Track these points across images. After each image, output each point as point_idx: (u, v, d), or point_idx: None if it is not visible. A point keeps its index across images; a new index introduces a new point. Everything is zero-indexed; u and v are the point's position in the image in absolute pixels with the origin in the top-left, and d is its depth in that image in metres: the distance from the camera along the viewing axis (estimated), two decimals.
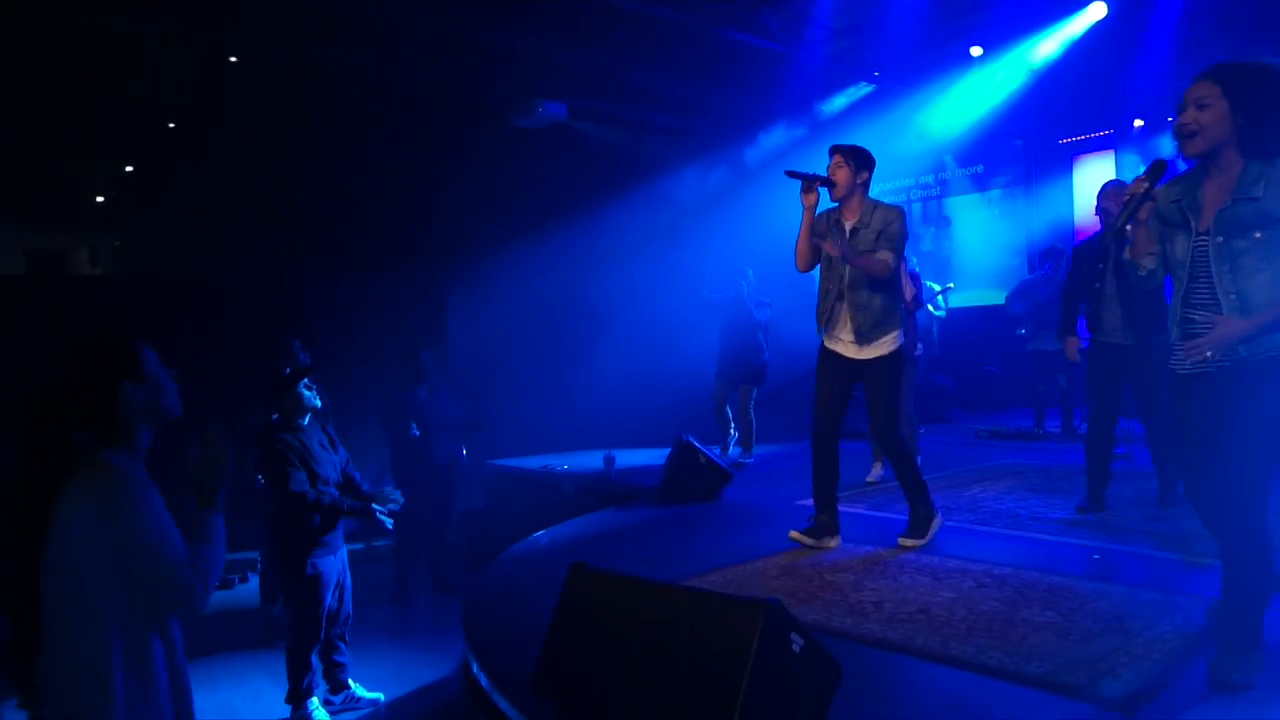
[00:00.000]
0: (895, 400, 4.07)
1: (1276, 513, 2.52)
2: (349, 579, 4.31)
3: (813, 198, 4.01)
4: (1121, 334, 4.55)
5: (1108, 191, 4.63)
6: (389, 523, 4.14)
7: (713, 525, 4.92)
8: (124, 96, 8.14)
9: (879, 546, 4.04)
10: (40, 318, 6.98)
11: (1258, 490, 2.37)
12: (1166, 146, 8.81)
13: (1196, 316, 2.47)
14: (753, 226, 9.15)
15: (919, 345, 6.06)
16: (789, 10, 8.56)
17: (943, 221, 11.14)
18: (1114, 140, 9.59)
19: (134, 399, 1.88)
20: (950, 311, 8.39)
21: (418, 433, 5.86)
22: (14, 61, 7.26)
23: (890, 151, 10.23)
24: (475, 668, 2.94)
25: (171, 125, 9.02)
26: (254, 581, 6.28)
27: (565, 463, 7.32)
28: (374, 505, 4.12)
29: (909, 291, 5.92)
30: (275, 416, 4.12)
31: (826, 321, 4.10)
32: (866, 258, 3.93)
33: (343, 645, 4.32)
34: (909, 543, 4.01)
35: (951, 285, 8.14)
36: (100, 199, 10.10)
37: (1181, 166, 2.65)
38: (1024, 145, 10.34)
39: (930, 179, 11.23)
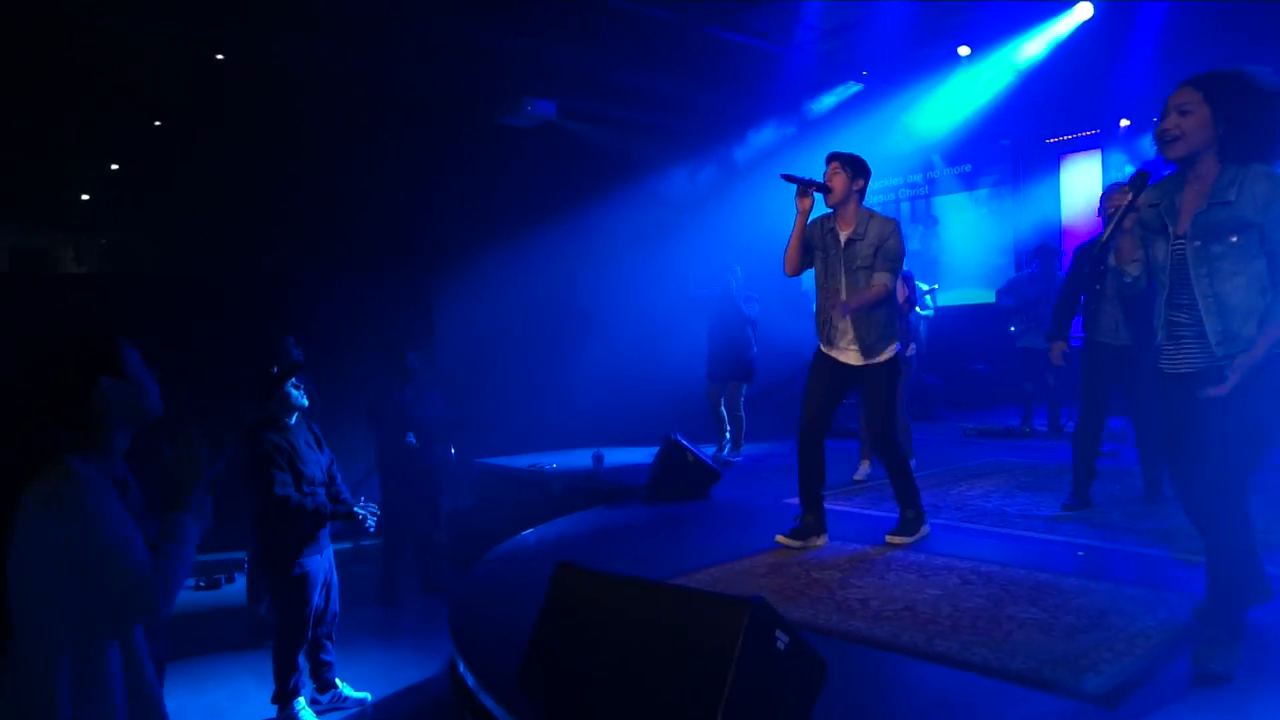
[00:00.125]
0: (893, 405, 4.08)
1: (1260, 509, 2.55)
2: (336, 578, 4.30)
3: (807, 203, 4.01)
4: (1116, 334, 4.60)
5: (1111, 195, 4.69)
6: (372, 523, 4.13)
7: (701, 524, 4.93)
8: (110, 94, 8.07)
9: (866, 545, 4.06)
10: (25, 316, 6.92)
11: (1241, 486, 2.41)
12: (1152, 146, 8.92)
13: (1180, 318, 2.52)
14: (741, 225, 9.17)
15: (911, 345, 6.05)
16: (778, 10, 8.58)
17: (930, 220, 11.18)
18: (1100, 140, 9.65)
19: (111, 396, 1.83)
20: (938, 310, 8.43)
21: (414, 441, 5.85)
22: None
23: (879, 150, 10.28)
24: (462, 667, 2.94)
25: (158, 123, 8.96)
26: (240, 581, 6.26)
27: (554, 461, 7.32)
28: (355, 510, 4.11)
29: (902, 294, 5.94)
30: (260, 414, 4.11)
31: (827, 334, 4.09)
32: (866, 293, 3.93)
33: (330, 645, 4.31)
34: (896, 539, 4.02)
35: (936, 286, 8.19)
36: (86, 197, 10.02)
37: (1165, 173, 2.71)
38: (1011, 145, 10.39)
39: (919, 178, 11.27)
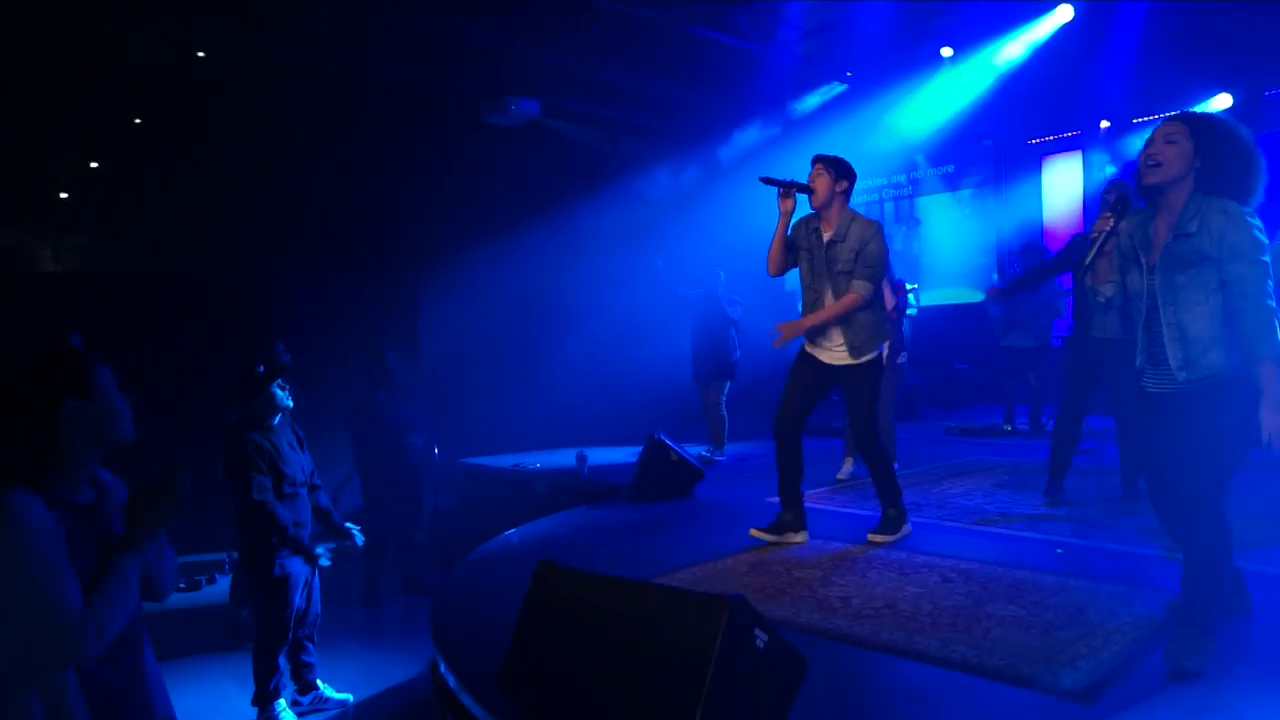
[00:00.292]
0: (875, 405, 4.09)
1: (1241, 506, 2.62)
2: (318, 579, 4.28)
3: (789, 204, 4.03)
4: (1105, 329, 4.62)
5: (1096, 220, 4.73)
6: (326, 561, 4.07)
7: (684, 523, 4.93)
8: (90, 92, 8.00)
9: (848, 543, 4.07)
10: (2, 315, 6.85)
11: (1217, 502, 2.49)
12: (1134, 146, 9.01)
13: (1158, 343, 2.61)
14: (726, 225, 9.19)
15: (903, 354, 6.04)
16: (761, 10, 8.60)
17: (913, 221, 11.25)
18: (1081, 141, 9.75)
19: (77, 420, 1.70)
20: (921, 310, 8.47)
21: (396, 441, 5.84)
22: None
23: (863, 151, 10.33)
24: (443, 667, 2.93)
25: (138, 121, 8.88)
26: (222, 583, 6.21)
27: (537, 461, 7.31)
28: (317, 548, 4.04)
29: (890, 301, 5.95)
30: (243, 413, 4.10)
31: (812, 334, 4.11)
32: (842, 303, 3.95)
33: (311, 646, 4.28)
34: (878, 538, 4.04)
35: (916, 286, 8.24)
36: (65, 195, 9.93)
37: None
38: (994, 145, 10.47)
39: (902, 178, 11.33)
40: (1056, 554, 3.78)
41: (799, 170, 4.17)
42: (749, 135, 10.53)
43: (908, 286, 7.61)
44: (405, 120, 9.11)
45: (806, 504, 4.22)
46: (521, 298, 9.43)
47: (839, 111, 10.08)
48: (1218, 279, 2.47)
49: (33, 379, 1.70)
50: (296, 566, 4.08)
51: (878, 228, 4.03)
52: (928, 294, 10.29)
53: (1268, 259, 2.45)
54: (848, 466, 5.99)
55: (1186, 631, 2.45)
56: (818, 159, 4.09)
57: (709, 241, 8.81)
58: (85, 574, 1.65)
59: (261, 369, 4.17)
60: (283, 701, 4.09)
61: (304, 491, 4.14)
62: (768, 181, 4.07)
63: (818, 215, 4.09)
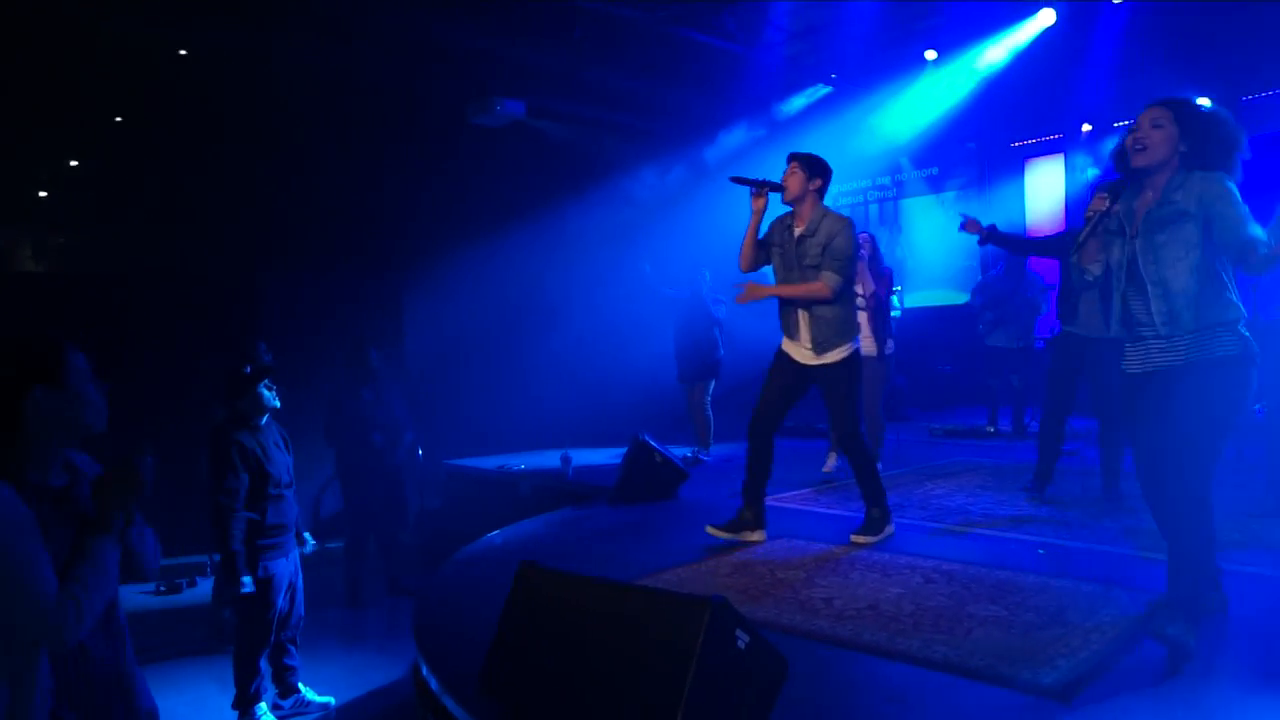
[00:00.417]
0: (853, 404, 4.10)
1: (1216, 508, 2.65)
2: (301, 581, 4.25)
3: (760, 202, 4.09)
4: (1090, 325, 4.66)
5: (1091, 200, 4.77)
6: (248, 585, 3.96)
7: (668, 524, 4.93)
8: (71, 90, 7.92)
9: (831, 544, 4.08)
10: None
11: (1203, 483, 2.56)
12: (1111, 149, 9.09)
13: (1137, 316, 2.71)
14: (711, 225, 9.19)
15: (890, 343, 6.05)
16: (747, 11, 8.61)
17: (897, 228, 11.30)
18: (1064, 144, 9.83)
19: (46, 407, 1.70)
20: (906, 311, 8.52)
21: (379, 441, 5.81)
22: None
23: (848, 153, 10.38)
24: (425, 669, 2.91)
25: (119, 119, 8.80)
26: (203, 585, 6.17)
27: (522, 462, 7.29)
28: (244, 575, 3.97)
29: (869, 287, 5.97)
30: (229, 413, 4.08)
31: (786, 328, 4.16)
32: (807, 287, 3.98)
33: (293, 649, 4.25)
34: (861, 539, 4.06)
35: (900, 288, 8.28)
36: (44, 194, 9.82)
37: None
38: (977, 148, 10.54)
39: (887, 180, 11.39)
40: (1038, 554, 3.80)
41: (783, 171, 4.19)
42: (735, 136, 10.55)
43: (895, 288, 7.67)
44: (390, 120, 9.07)
45: (792, 505, 4.25)
46: (507, 298, 9.41)
47: (824, 113, 10.12)
48: (1197, 236, 2.56)
49: (1, 366, 1.71)
50: (279, 568, 4.06)
51: (847, 223, 4.05)
52: (912, 296, 10.36)
53: (1247, 209, 2.53)
54: (831, 460, 6.00)
55: (1171, 613, 2.50)
56: (792, 156, 4.15)
57: (694, 242, 8.82)
58: (60, 558, 1.66)
59: (249, 369, 4.15)
60: (264, 705, 4.06)
61: (289, 493, 4.12)
62: (739, 181, 4.13)
63: (792, 212, 4.13)
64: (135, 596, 5.94)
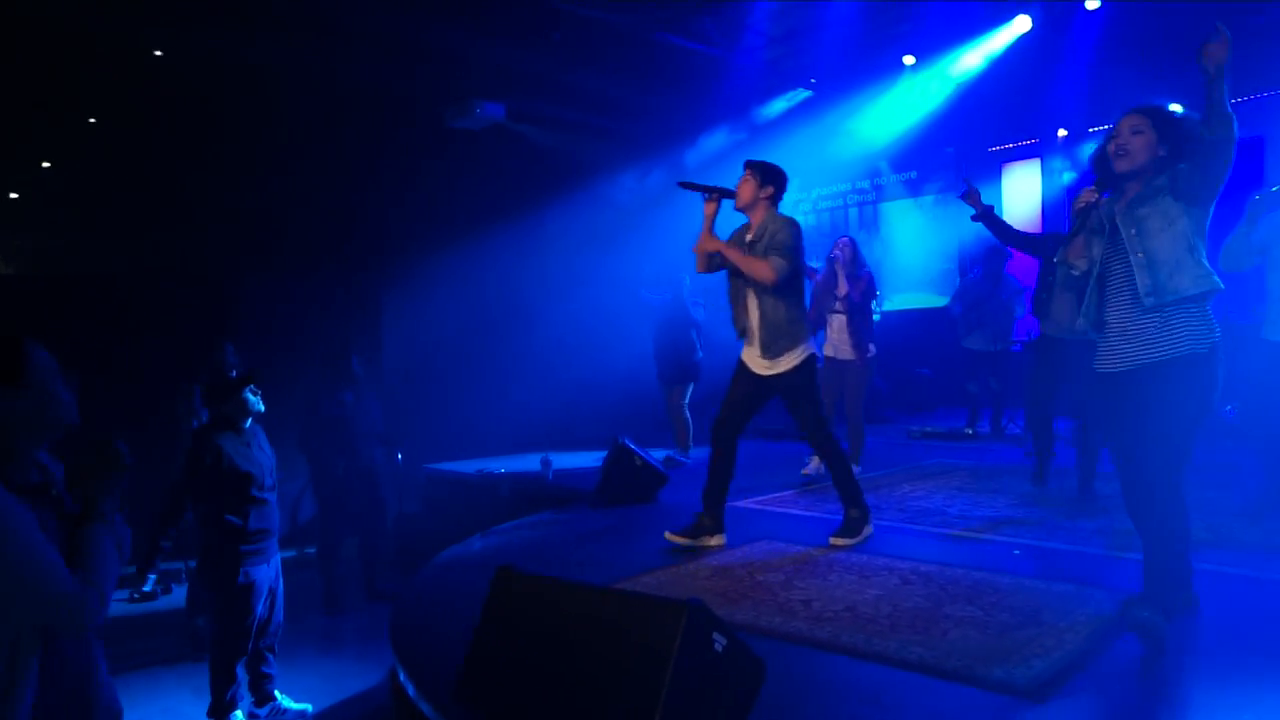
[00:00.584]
0: (816, 407, 4.10)
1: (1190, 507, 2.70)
2: (281, 586, 4.22)
3: (711, 207, 4.15)
4: (1060, 326, 4.71)
5: (1079, 192, 4.83)
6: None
7: (648, 527, 4.91)
8: (43, 90, 7.82)
9: (810, 546, 4.10)
10: None
11: (1175, 478, 2.62)
12: (1088, 153, 9.20)
13: (1112, 315, 2.79)
14: (691, 228, 9.18)
15: (871, 347, 6.07)
16: (726, 16, 8.64)
17: (875, 229, 11.37)
18: (1040, 149, 9.93)
19: (13, 407, 1.71)
20: (885, 315, 8.55)
21: (358, 447, 5.79)
22: None
23: (828, 157, 10.43)
24: (402, 676, 2.89)
25: (92, 121, 8.70)
26: (178, 593, 6.09)
27: (502, 466, 7.27)
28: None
29: (842, 289, 5.99)
30: (214, 417, 4.07)
31: (741, 331, 4.20)
32: (751, 259, 4.01)
33: (271, 657, 4.22)
34: (840, 541, 4.07)
35: (879, 292, 8.32)
36: (15, 196, 9.69)
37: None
38: (955, 152, 10.61)
39: (866, 184, 11.44)
40: (1014, 556, 3.83)
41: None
42: (716, 140, 10.57)
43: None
44: (368, 122, 9.02)
45: (771, 507, 4.26)
46: (486, 301, 9.38)
47: (804, 117, 10.15)
48: (1176, 210, 2.65)
49: None
50: (260, 574, 4.03)
51: (790, 221, 4.09)
52: (890, 299, 10.40)
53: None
54: (813, 463, 5.99)
55: (1143, 604, 2.54)
56: (748, 164, 4.22)
57: (675, 245, 8.83)
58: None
59: (234, 373, 4.14)
60: (240, 713, 4.02)
61: (272, 497, 4.10)
62: (688, 186, 4.20)
63: (748, 221, 4.19)
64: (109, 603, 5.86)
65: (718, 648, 2.06)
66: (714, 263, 4.21)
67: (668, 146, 10.55)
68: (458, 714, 2.41)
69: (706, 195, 4.14)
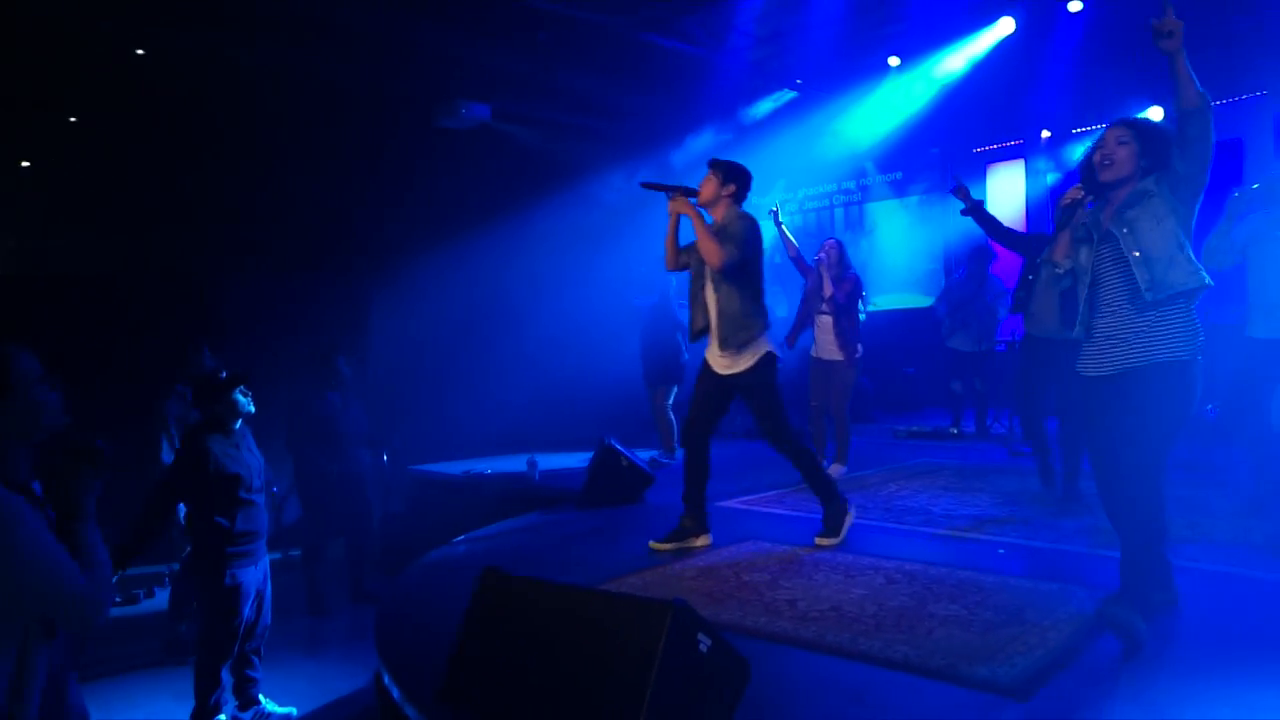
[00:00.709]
0: (777, 406, 4.09)
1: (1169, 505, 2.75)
2: (269, 589, 4.19)
3: (674, 205, 4.17)
4: (1040, 325, 4.74)
5: (1066, 190, 4.87)
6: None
7: (634, 528, 4.91)
8: (23, 88, 7.73)
9: (796, 546, 4.11)
10: None
11: (1154, 482, 2.66)
12: (1074, 154, 9.27)
13: (1099, 320, 2.83)
14: (679, 229, 9.21)
15: (859, 348, 6.08)
16: (712, 16, 8.65)
17: (861, 229, 11.41)
18: (1024, 150, 10.01)
19: None
20: (870, 315, 8.57)
21: (345, 449, 5.77)
22: None
23: (813, 157, 10.47)
24: (387, 678, 2.88)
25: (73, 119, 8.61)
26: (160, 597, 6.03)
27: (489, 467, 7.25)
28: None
29: (827, 290, 6.01)
30: (204, 418, 4.05)
31: (698, 332, 4.22)
32: (708, 237, 4.01)
33: (257, 660, 4.18)
34: (824, 541, 4.08)
35: (864, 294, 8.35)
36: None
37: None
38: (940, 153, 10.67)
39: (852, 184, 11.49)
40: (999, 554, 3.86)
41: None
42: (702, 140, 10.59)
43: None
44: (354, 122, 8.97)
45: (757, 508, 4.27)
46: (473, 301, 9.36)
47: (790, 118, 10.19)
48: (1164, 209, 2.72)
49: None
50: (248, 577, 4.00)
51: (744, 215, 4.12)
52: (876, 299, 10.43)
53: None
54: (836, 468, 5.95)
55: (1121, 603, 2.56)
56: (710, 162, 4.25)
57: (661, 246, 8.82)
58: None
59: (224, 374, 4.10)
60: (224, 717, 3.98)
61: (260, 498, 4.07)
62: (650, 186, 4.23)
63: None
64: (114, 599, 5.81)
65: (703, 648, 2.06)
66: (682, 260, 4.25)
67: (653, 147, 10.55)
68: (442, 716, 2.40)
69: (669, 194, 4.16)
